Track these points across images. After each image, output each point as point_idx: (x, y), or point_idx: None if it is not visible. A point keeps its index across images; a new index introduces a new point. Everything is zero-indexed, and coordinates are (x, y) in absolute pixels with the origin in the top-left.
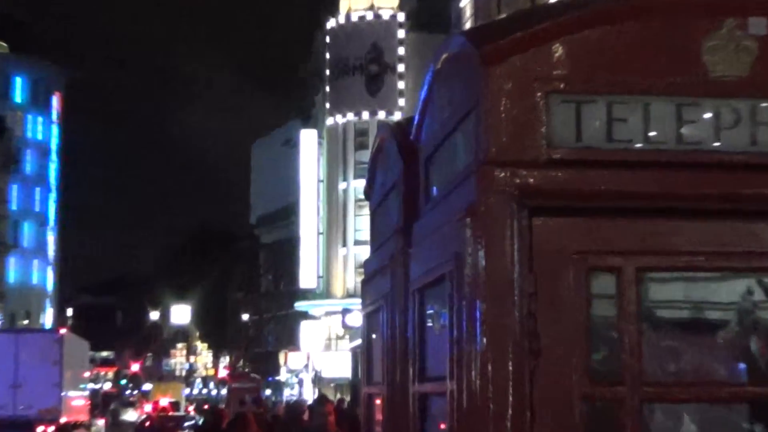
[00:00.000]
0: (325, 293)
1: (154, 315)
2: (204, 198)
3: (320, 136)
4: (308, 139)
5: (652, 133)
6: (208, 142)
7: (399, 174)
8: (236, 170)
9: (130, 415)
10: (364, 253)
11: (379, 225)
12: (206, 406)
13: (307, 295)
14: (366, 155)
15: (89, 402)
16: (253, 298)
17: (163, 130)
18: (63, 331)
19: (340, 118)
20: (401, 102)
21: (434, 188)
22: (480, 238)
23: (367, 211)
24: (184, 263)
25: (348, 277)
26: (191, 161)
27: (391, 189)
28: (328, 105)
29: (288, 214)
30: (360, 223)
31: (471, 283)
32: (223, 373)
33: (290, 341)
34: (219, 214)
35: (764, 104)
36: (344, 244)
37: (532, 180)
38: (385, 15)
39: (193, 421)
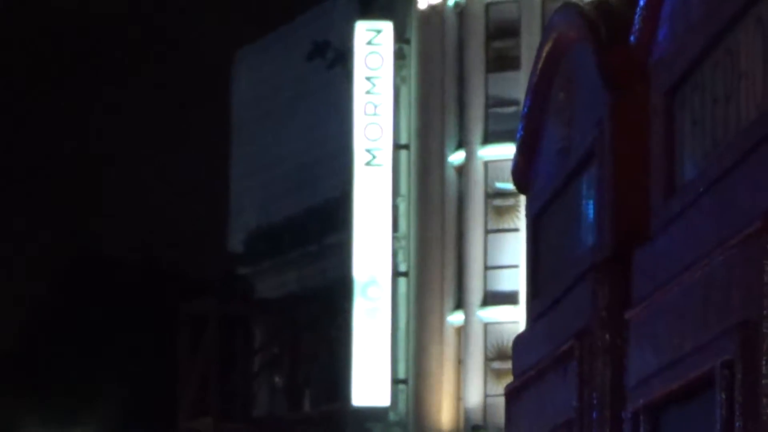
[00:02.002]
0: (413, 421)
1: None
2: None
3: (402, 38)
4: (375, 42)
5: None
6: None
7: (605, 127)
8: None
9: None
10: (509, 321)
11: (551, 250)
12: None
13: (366, 425)
14: (513, 85)
15: None
16: None
17: None
18: None
19: None
20: None
21: (686, 161)
22: None
23: (516, 217)
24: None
25: (470, 386)
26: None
27: (582, 163)
28: None
29: (323, 227)
30: (500, 247)
31: None
32: None
33: None
34: (149, 237)
35: None
36: (458, 304)
37: None
38: None
39: None
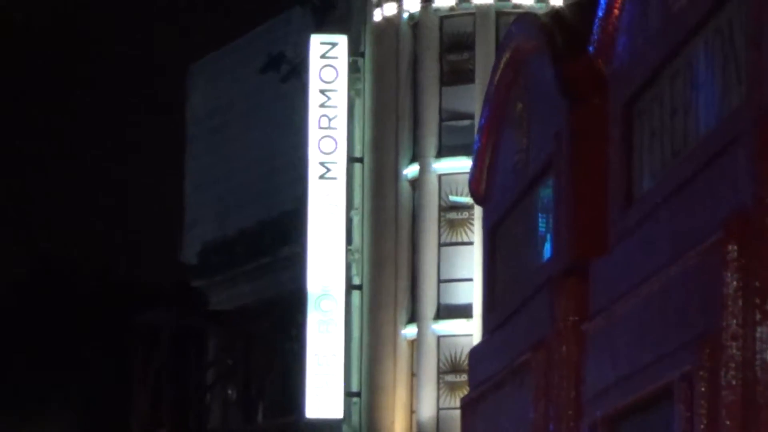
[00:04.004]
0: None
1: None
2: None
3: (356, 51)
4: (329, 55)
5: None
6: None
7: (563, 138)
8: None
9: None
10: (463, 334)
11: (508, 262)
12: None
13: None
14: (467, 98)
15: None
16: None
17: None
18: None
19: (407, 3)
20: None
21: (645, 172)
22: (763, 292)
23: (470, 230)
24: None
25: (423, 399)
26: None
27: (539, 175)
28: None
29: (277, 240)
30: (453, 261)
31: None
32: None
33: None
34: (105, 244)
35: None
36: (411, 317)
37: None
38: None
39: None
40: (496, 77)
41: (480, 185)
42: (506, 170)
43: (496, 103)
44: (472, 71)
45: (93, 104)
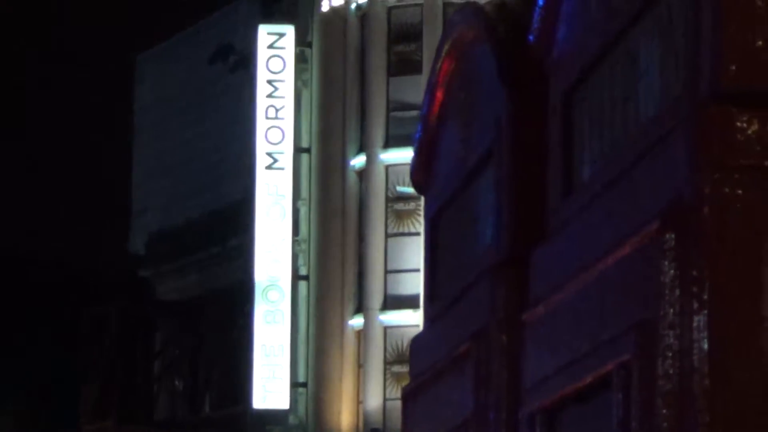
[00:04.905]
0: (312, 424)
1: None
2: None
3: (303, 42)
4: (276, 46)
5: None
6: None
7: (503, 127)
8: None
9: None
10: (410, 325)
11: (449, 252)
12: None
13: (266, 428)
14: (414, 89)
15: None
16: None
17: None
18: None
19: None
20: None
21: (584, 161)
22: (700, 282)
23: (416, 221)
24: None
25: (370, 390)
26: None
27: (480, 163)
28: None
29: (225, 230)
30: (400, 251)
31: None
32: None
33: None
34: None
35: None
36: (358, 308)
37: None
38: None
39: None
40: (438, 67)
41: (422, 175)
42: (447, 159)
43: (437, 92)
44: (420, 62)
45: (41, 93)
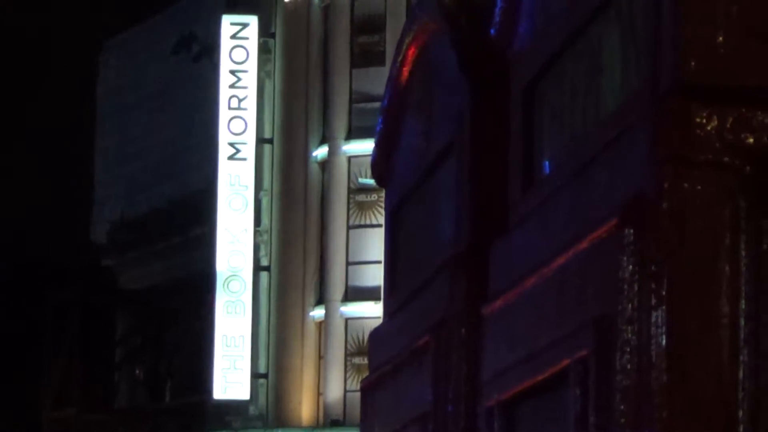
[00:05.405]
0: (273, 415)
1: None
2: None
3: (267, 32)
4: (240, 36)
5: None
6: None
7: (464, 119)
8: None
9: None
10: (371, 317)
11: (409, 244)
12: None
13: (226, 419)
14: (377, 80)
15: None
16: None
17: None
18: None
19: None
20: None
21: (545, 154)
22: (659, 277)
23: (378, 213)
24: None
25: (330, 381)
26: None
27: (441, 156)
28: None
29: (188, 220)
30: (362, 243)
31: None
32: None
33: None
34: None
35: None
36: (319, 299)
37: None
38: None
39: None
40: (399, 59)
41: (382, 167)
42: (408, 152)
43: (398, 85)
44: (383, 53)
45: (2, 78)
